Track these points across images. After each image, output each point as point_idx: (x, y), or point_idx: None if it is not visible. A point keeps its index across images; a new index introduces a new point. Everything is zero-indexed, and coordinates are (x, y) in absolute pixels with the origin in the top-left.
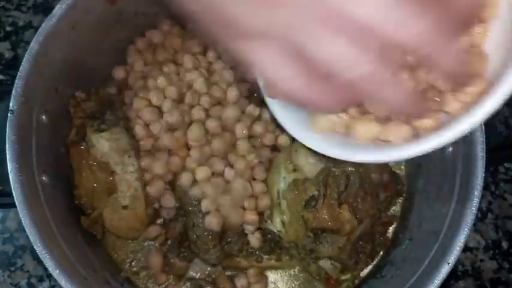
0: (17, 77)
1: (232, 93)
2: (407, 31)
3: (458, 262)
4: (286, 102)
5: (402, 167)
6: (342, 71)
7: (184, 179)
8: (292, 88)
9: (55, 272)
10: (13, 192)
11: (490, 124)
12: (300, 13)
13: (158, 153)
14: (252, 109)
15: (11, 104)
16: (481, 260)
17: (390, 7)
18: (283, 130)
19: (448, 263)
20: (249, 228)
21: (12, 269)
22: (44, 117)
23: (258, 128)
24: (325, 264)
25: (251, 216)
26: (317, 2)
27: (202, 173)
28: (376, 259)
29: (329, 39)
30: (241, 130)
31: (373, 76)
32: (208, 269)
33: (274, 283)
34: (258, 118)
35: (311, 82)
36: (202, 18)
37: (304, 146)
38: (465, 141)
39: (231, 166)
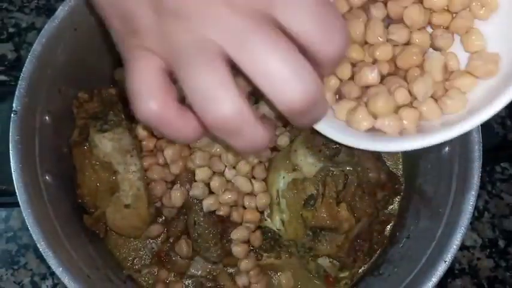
0: (20, 78)
1: None
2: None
3: (455, 260)
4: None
5: (400, 167)
6: (214, 105)
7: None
8: (157, 114)
9: (58, 270)
10: (16, 191)
11: (486, 124)
12: (197, 28)
13: (160, 153)
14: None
15: (14, 105)
16: (478, 259)
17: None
18: (282, 130)
19: (445, 261)
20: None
21: (16, 267)
22: (47, 117)
23: None
24: (324, 262)
25: (251, 215)
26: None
27: (203, 173)
28: (374, 257)
29: (207, 65)
30: None
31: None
32: (209, 266)
33: (274, 281)
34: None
35: (178, 110)
36: (106, 11)
37: (303, 146)
38: (462, 141)
39: (232, 166)
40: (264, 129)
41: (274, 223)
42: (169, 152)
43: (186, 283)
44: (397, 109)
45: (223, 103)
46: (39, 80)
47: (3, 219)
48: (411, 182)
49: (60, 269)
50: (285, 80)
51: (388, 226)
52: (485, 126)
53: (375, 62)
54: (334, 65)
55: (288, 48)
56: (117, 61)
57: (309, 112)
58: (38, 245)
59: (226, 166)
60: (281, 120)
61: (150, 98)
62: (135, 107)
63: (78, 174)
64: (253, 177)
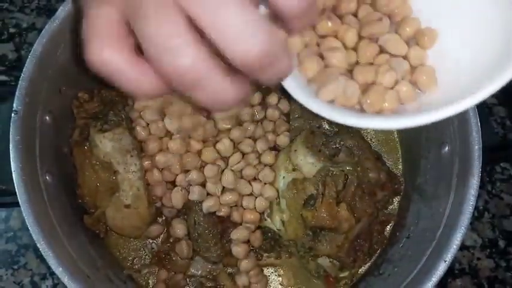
0: (21, 78)
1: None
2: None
3: (455, 260)
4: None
5: (400, 167)
6: (177, 54)
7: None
8: (109, 61)
9: (58, 270)
10: (17, 191)
11: (486, 124)
12: None
13: (160, 154)
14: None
15: (14, 105)
16: (478, 259)
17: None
18: (282, 130)
19: (445, 261)
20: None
21: (16, 267)
22: (47, 117)
23: (258, 129)
24: (324, 262)
25: (251, 215)
26: None
27: (197, 177)
28: (374, 257)
29: (170, 16)
30: (242, 132)
31: (200, 67)
32: (209, 266)
33: (274, 281)
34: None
35: (133, 59)
36: None
37: (303, 146)
38: (462, 141)
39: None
40: (232, 82)
41: (274, 223)
42: (161, 159)
43: (186, 283)
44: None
45: (182, 53)
46: (40, 80)
47: (3, 219)
48: (411, 182)
49: (60, 269)
50: (238, 33)
51: (388, 226)
52: (485, 126)
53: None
54: (299, 19)
55: (242, 2)
56: None
57: (267, 67)
58: (38, 245)
59: (225, 167)
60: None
61: (102, 44)
62: (87, 53)
63: (78, 174)
64: (254, 178)
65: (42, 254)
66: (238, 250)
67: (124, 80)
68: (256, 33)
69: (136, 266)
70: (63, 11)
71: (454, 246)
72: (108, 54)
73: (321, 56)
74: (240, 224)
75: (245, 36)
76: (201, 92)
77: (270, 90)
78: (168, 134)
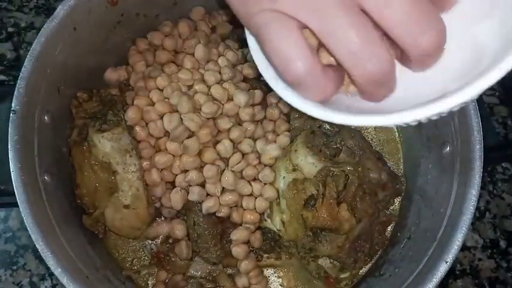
0: (19, 78)
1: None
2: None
3: (456, 261)
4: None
5: (401, 167)
6: (367, 61)
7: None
8: (302, 71)
9: (57, 271)
10: (15, 191)
11: (487, 124)
12: None
13: (159, 154)
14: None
15: (13, 105)
16: (479, 259)
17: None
18: (282, 130)
19: (446, 262)
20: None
21: (15, 268)
22: (46, 117)
23: (258, 129)
24: (324, 262)
25: (251, 216)
26: None
27: (196, 178)
28: (375, 258)
29: (352, 31)
30: (242, 132)
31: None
32: (209, 267)
33: (274, 282)
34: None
35: (320, 69)
36: None
37: (304, 146)
38: (463, 141)
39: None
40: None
41: (275, 224)
42: (160, 159)
43: (186, 284)
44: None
45: (375, 59)
46: (38, 80)
47: (2, 219)
48: (412, 182)
49: (59, 269)
50: (359, 56)
51: (389, 226)
52: (486, 126)
53: None
54: (425, 58)
55: (365, 25)
56: (117, 61)
57: (380, 86)
58: (37, 246)
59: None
60: None
61: (299, 58)
62: (283, 69)
63: (77, 174)
64: (254, 178)
65: (41, 254)
66: (238, 251)
67: (315, 88)
68: (376, 60)
69: (135, 267)
70: (61, 10)
71: (455, 247)
72: (305, 68)
73: None
74: (240, 225)
75: (367, 59)
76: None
77: (270, 89)
78: (167, 134)
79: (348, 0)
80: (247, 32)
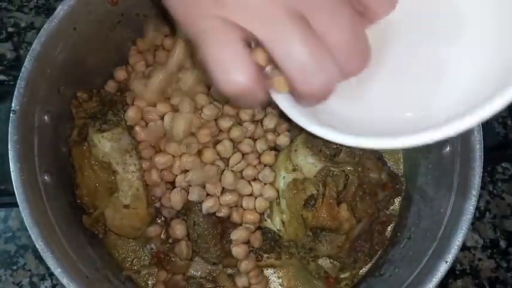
0: (19, 78)
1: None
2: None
3: (456, 261)
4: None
5: (401, 167)
6: (305, 80)
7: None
8: (239, 81)
9: (57, 271)
10: (15, 191)
11: (487, 124)
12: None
13: (159, 154)
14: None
15: (13, 104)
16: (479, 259)
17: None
18: (282, 130)
19: (446, 262)
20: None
21: (14, 268)
22: (46, 117)
23: (258, 129)
24: (324, 262)
25: (251, 216)
26: None
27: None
28: (375, 258)
29: (298, 40)
30: (242, 132)
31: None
32: (209, 267)
33: (274, 281)
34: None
35: (260, 78)
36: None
37: (303, 146)
38: (463, 141)
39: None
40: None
41: (274, 224)
42: (160, 160)
43: (186, 285)
44: None
45: (319, 72)
46: (38, 80)
47: (2, 219)
48: (412, 182)
49: (59, 269)
50: (307, 70)
51: (389, 226)
52: (486, 126)
53: None
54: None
55: (313, 40)
56: (117, 60)
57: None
58: (37, 246)
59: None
60: None
61: (237, 71)
62: (219, 79)
63: (77, 174)
64: (254, 178)
65: (41, 254)
66: (238, 251)
67: (251, 98)
68: (323, 74)
69: (135, 267)
70: (61, 10)
71: (455, 247)
72: (244, 80)
73: None
74: (240, 225)
75: (314, 75)
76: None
77: None
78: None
79: (297, 14)
80: None
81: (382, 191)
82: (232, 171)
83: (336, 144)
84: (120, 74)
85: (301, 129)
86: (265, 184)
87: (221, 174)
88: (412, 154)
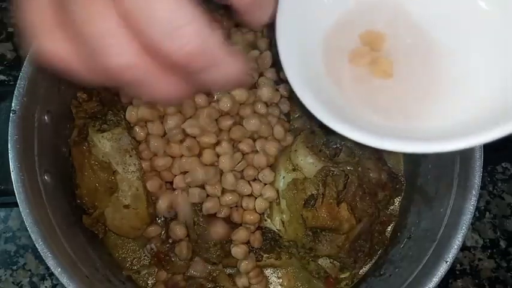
0: (19, 78)
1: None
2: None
3: (456, 261)
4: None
5: (401, 167)
6: (110, 54)
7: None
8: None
9: (57, 271)
10: (15, 191)
11: None
12: None
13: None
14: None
15: (13, 104)
16: (479, 259)
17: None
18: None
19: (446, 262)
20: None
21: (15, 268)
22: (46, 117)
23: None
24: (324, 262)
25: (250, 216)
26: None
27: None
28: (375, 257)
29: (102, 12)
30: (243, 132)
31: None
32: (209, 267)
33: (274, 281)
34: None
35: (73, 50)
36: None
37: (303, 146)
38: None
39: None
40: (170, 80)
41: (274, 223)
42: (160, 161)
43: (186, 284)
44: None
45: (115, 52)
46: (39, 80)
47: (2, 219)
48: (412, 182)
49: (59, 269)
50: (170, 27)
51: (389, 226)
52: None
53: None
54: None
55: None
56: None
57: (207, 67)
58: (37, 246)
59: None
60: None
61: (46, 36)
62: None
63: (77, 174)
64: (254, 179)
65: (41, 254)
66: (238, 251)
67: (70, 72)
68: (189, 29)
69: (135, 267)
70: None
71: (455, 247)
72: (51, 45)
73: None
74: (240, 225)
75: (177, 31)
76: (141, 89)
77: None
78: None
79: None
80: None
81: (382, 191)
82: (232, 171)
83: (336, 144)
84: None
85: (301, 130)
86: (265, 184)
87: (221, 174)
88: (412, 154)
